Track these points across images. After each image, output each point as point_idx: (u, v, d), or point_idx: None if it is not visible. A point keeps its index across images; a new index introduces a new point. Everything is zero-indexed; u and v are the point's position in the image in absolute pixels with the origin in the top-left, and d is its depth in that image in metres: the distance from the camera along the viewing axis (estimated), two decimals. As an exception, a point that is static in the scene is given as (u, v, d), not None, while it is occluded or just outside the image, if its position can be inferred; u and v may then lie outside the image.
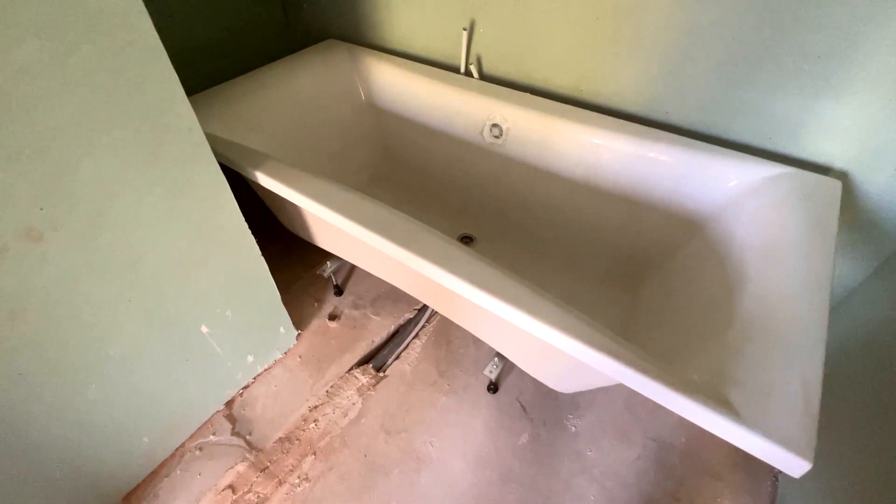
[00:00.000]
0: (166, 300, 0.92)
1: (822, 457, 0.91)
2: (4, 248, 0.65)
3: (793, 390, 0.61)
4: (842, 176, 0.99)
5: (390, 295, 1.48)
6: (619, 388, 1.23)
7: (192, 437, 1.15)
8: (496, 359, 1.17)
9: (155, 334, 0.93)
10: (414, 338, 1.37)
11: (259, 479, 1.08)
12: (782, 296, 0.74)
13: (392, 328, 1.40)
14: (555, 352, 0.85)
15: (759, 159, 1.01)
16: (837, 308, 1.15)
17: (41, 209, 0.67)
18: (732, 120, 1.06)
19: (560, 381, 0.98)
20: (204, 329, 1.03)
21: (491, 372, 1.15)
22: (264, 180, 1.01)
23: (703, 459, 1.10)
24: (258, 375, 1.27)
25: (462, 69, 1.40)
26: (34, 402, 0.78)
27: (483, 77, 1.40)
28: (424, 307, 1.44)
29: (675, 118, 1.13)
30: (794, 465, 0.55)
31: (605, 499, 1.04)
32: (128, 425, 0.97)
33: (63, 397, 0.82)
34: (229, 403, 1.22)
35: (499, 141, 1.32)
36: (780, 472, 1.07)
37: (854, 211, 1.02)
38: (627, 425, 1.16)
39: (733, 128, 1.07)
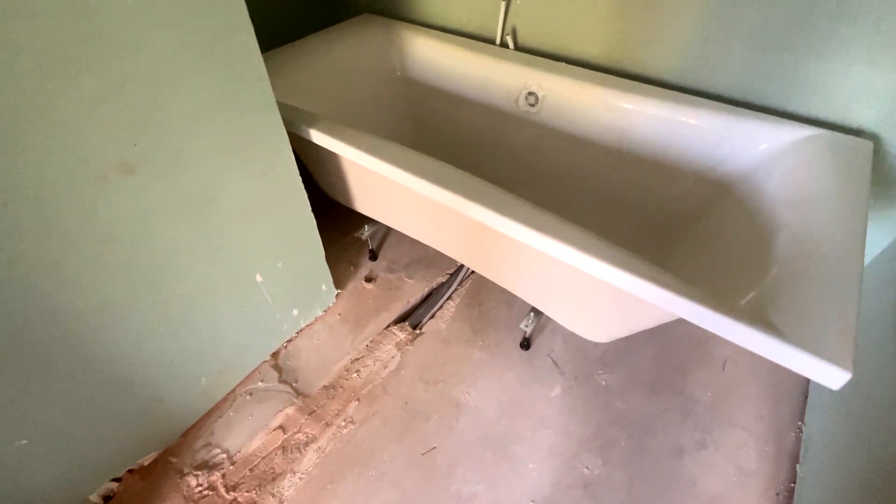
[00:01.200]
0: (229, 246, 0.98)
1: (849, 400, 0.96)
2: (104, 178, 0.72)
3: (831, 314, 0.65)
4: (873, 138, 1.02)
5: (423, 260, 1.54)
6: (647, 345, 1.28)
7: (241, 383, 1.22)
8: (532, 314, 1.22)
9: (218, 278, 0.99)
10: (447, 299, 1.43)
11: (307, 421, 1.15)
12: (818, 239, 0.79)
13: (426, 290, 1.46)
14: (602, 295, 0.90)
15: (791, 122, 1.05)
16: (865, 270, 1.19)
17: (135, 144, 0.73)
18: (765, 84, 1.10)
19: (599, 328, 1.03)
20: (258, 278, 1.10)
21: (526, 326, 1.21)
22: (318, 137, 1.07)
23: (729, 412, 1.15)
24: (301, 330, 1.34)
25: (498, 41, 1.44)
26: (117, 329, 0.85)
27: (518, 48, 1.44)
28: (456, 271, 1.49)
29: (707, 84, 1.17)
30: (835, 376, 0.60)
31: (635, 444, 1.09)
32: (189, 364, 1.04)
33: (140, 328, 0.89)
34: (275, 354, 1.28)
35: (534, 109, 1.36)
36: (804, 423, 1.12)
37: (884, 174, 1.06)
38: (655, 380, 1.21)
39: (766, 92, 1.11)
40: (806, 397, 1.16)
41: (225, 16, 0.76)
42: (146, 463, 1.06)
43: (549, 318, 1.34)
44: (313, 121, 1.08)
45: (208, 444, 1.11)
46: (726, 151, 1.13)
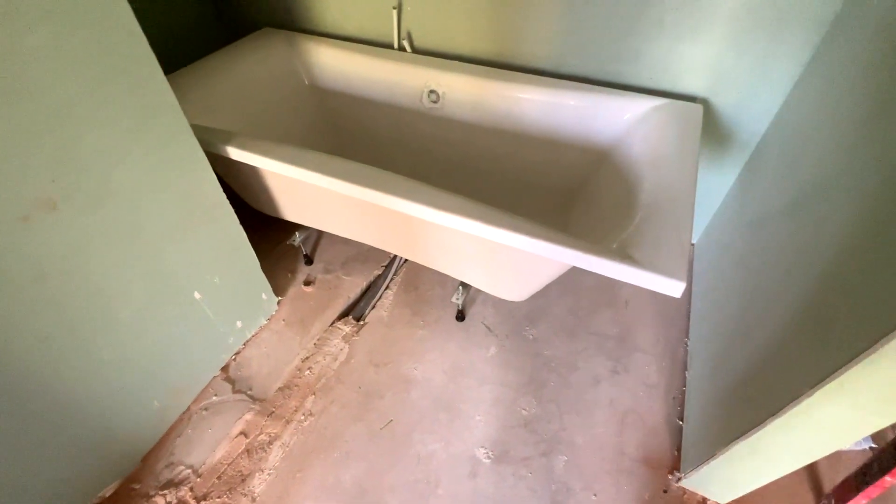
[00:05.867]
0: (164, 267, 1.02)
1: (709, 316, 1.20)
2: (27, 218, 0.74)
3: (672, 245, 0.85)
4: (704, 102, 1.28)
5: (357, 257, 1.63)
6: (563, 299, 1.48)
7: (196, 400, 1.25)
8: (460, 288, 1.37)
9: (157, 299, 1.03)
10: (386, 289, 1.54)
11: (267, 422, 1.21)
12: (665, 188, 1.00)
13: (364, 284, 1.55)
14: (511, 257, 1.06)
15: (644, 95, 1.28)
16: (716, 214, 1.47)
17: (53, 180, 0.76)
18: (621, 66, 1.32)
19: (514, 288, 1.20)
20: (197, 295, 1.13)
21: (457, 299, 1.35)
22: (236, 153, 1.12)
23: (633, 341, 1.38)
24: (247, 341, 1.38)
25: (395, 45, 1.56)
26: (58, 364, 0.86)
27: (415, 51, 1.57)
28: (391, 263, 1.60)
29: (578, 69, 1.38)
30: (675, 287, 0.79)
31: (562, 381, 1.28)
32: (140, 388, 1.06)
33: (82, 360, 0.91)
34: (225, 368, 1.32)
35: (437, 105, 1.50)
36: (689, 338, 1.37)
37: (716, 129, 1.32)
38: (573, 326, 1.41)
39: (623, 72, 1.33)
40: (688, 319, 1.42)
41: (128, 50, 0.80)
42: (108, 494, 1.07)
43: (478, 290, 1.50)
44: (228, 138, 1.14)
45: (171, 464, 1.13)
46: (600, 125, 1.34)
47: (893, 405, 0.63)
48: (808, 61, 1.12)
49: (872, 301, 0.61)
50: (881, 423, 0.66)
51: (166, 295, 1.04)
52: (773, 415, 0.74)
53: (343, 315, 1.47)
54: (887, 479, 0.82)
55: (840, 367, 0.62)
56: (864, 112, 0.81)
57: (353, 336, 1.40)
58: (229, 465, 1.13)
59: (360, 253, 1.64)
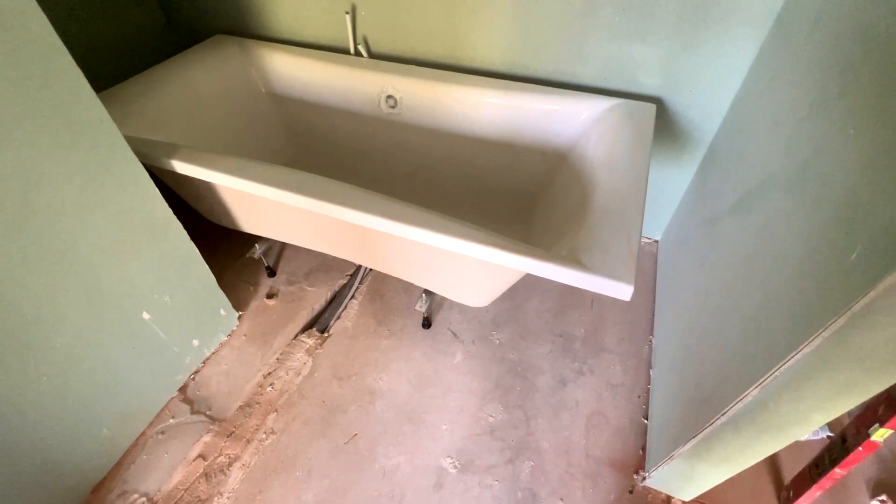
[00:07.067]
0: (104, 289, 0.97)
1: (667, 313, 1.20)
2: (-63, 245, 0.69)
3: (620, 247, 0.85)
4: (657, 101, 1.28)
5: (321, 267, 1.60)
6: (529, 300, 1.47)
7: (151, 424, 1.20)
8: (424, 295, 1.35)
9: (98, 323, 0.98)
10: (351, 299, 1.51)
11: (227, 444, 1.17)
12: (616, 189, 1.00)
13: (329, 295, 1.52)
14: (465, 264, 1.04)
15: (599, 96, 1.28)
16: (678, 209, 1.48)
17: (-33, 205, 0.72)
18: (576, 67, 1.32)
19: (476, 294, 1.18)
20: (145, 315, 1.09)
21: (421, 307, 1.33)
22: (181, 167, 1.08)
23: (599, 341, 1.38)
24: (207, 359, 1.34)
25: (351, 50, 1.53)
26: (-12, 397, 0.82)
27: (372, 55, 1.54)
28: (356, 272, 1.58)
29: (533, 71, 1.37)
30: (623, 290, 0.79)
31: (528, 385, 1.27)
32: (85, 416, 1.01)
33: (16, 392, 0.86)
34: (182, 389, 1.27)
35: (395, 110, 1.48)
36: (653, 336, 1.38)
37: (673, 127, 1.33)
38: (538, 329, 1.41)
39: (578, 73, 1.32)
40: (653, 316, 1.43)
41: (46, 64, 0.76)
42: (55, 529, 1.02)
43: (443, 296, 1.48)
44: (172, 151, 1.10)
45: (124, 493, 1.09)
46: (557, 126, 1.33)
47: (832, 402, 0.63)
48: (753, 60, 1.13)
49: (806, 299, 0.61)
50: (823, 420, 0.67)
51: (109, 318, 1.00)
52: (720, 413, 0.74)
53: (307, 327, 1.43)
54: (837, 470, 0.83)
55: (776, 366, 0.62)
56: (801, 111, 0.81)
57: (317, 349, 1.37)
58: (186, 490, 1.09)
59: (324, 262, 1.60)
